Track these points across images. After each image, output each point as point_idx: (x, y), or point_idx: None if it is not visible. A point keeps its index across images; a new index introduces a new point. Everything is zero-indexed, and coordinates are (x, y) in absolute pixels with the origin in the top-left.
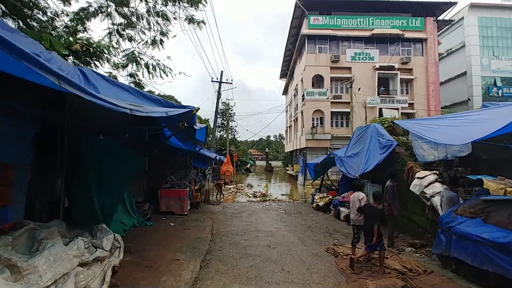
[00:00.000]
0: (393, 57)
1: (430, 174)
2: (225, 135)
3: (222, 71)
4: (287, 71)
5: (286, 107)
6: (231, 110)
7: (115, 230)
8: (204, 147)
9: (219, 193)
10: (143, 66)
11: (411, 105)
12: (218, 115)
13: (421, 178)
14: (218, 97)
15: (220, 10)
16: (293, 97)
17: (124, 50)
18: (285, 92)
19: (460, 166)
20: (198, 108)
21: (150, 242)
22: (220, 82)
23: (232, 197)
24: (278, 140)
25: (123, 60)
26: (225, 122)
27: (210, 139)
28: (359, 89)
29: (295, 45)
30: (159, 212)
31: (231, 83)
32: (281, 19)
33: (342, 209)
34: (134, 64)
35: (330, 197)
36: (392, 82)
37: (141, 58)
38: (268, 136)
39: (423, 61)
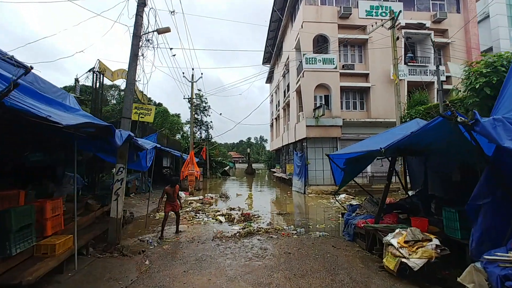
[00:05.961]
0: (421, 13)
1: None
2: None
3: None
4: (272, 51)
5: (271, 94)
6: (204, 102)
7: None
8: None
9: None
10: None
11: (448, 78)
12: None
13: None
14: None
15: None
16: (282, 78)
17: None
18: (269, 80)
19: None
20: None
21: None
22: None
23: (188, 225)
24: (259, 142)
25: None
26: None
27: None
28: (398, 38)
29: (285, 7)
30: None
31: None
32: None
33: None
34: None
35: (435, 243)
36: (421, 47)
37: None
38: (249, 138)
39: (460, 20)
